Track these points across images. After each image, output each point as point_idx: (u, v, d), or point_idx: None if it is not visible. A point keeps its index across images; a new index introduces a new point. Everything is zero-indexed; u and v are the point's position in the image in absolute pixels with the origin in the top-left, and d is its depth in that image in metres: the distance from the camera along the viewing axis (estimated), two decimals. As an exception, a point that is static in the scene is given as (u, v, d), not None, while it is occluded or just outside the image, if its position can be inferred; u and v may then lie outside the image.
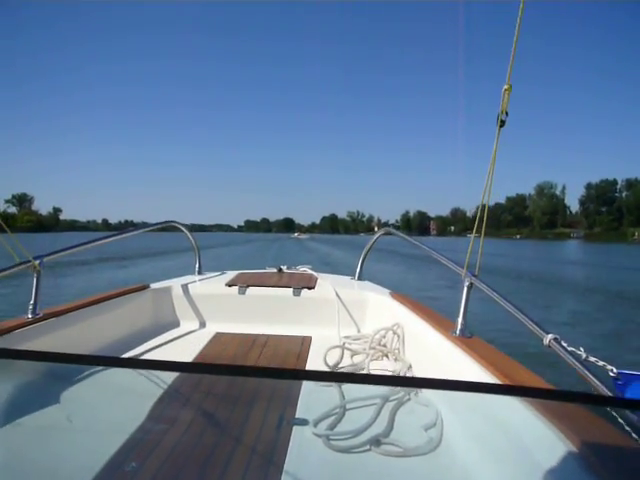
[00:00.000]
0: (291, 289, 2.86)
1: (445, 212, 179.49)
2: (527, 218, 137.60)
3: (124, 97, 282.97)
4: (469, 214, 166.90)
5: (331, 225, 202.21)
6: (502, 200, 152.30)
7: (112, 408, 1.41)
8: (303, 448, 1.25)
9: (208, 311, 2.86)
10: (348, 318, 2.72)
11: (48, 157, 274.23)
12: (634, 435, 0.78)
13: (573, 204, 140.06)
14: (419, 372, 1.96)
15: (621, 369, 1.05)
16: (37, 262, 1.88)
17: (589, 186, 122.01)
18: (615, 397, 0.96)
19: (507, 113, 1.47)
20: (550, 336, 1.24)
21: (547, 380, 1.22)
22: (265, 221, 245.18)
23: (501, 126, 1.48)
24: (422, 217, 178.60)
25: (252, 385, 1.64)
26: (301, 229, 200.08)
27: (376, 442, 1.27)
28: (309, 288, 2.86)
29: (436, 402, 1.53)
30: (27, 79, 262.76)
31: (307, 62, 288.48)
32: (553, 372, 1.72)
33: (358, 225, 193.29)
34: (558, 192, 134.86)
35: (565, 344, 1.21)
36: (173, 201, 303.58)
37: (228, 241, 61.06)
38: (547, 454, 0.88)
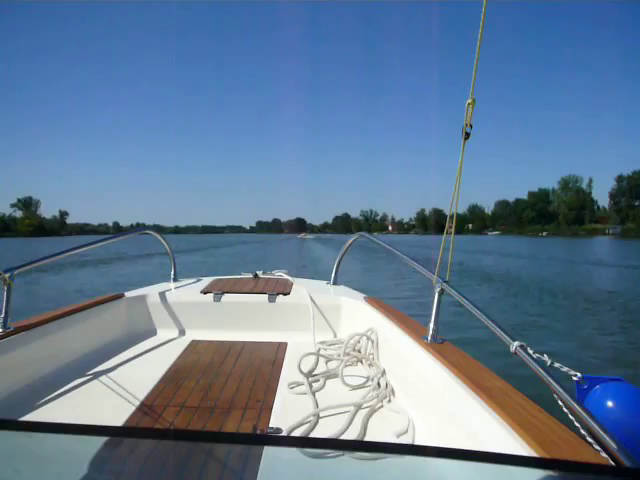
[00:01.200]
0: (266, 295, 2.85)
1: (462, 209, 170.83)
2: (551, 214, 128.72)
3: (135, 98, 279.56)
4: (487, 211, 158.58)
5: (343, 225, 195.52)
6: (524, 195, 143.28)
7: (86, 413, 1.51)
8: (277, 455, 1.13)
9: (184, 319, 2.83)
10: (323, 323, 2.72)
11: (59, 160, 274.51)
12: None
13: (600, 199, 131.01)
14: (393, 377, 1.95)
15: (585, 374, 1.10)
16: (7, 275, 1.87)
17: (620, 178, 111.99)
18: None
19: (472, 126, 1.51)
20: (516, 343, 1.26)
21: (514, 385, 1.26)
22: (277, 222, 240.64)
23: (466, 138, 1.52)
24: (438, 215, 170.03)
25: (228, 394, 1.81)
26: (313, 229, 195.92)
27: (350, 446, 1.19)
28: (284, 294, 2.87)
29: (408, 410, 1.60)
30: (28, 81, 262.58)
31: (324, 62, 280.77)
32: (520, 377, 1.62)
33: (371, 224, 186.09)
34: (584, 186, 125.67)
35: (531, 351, 1.23)
36: (185, 203, 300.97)
37: (230, 242, 61.11)
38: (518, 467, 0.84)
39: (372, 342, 2.26)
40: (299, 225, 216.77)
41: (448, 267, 1.74)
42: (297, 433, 1.40)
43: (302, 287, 2.94)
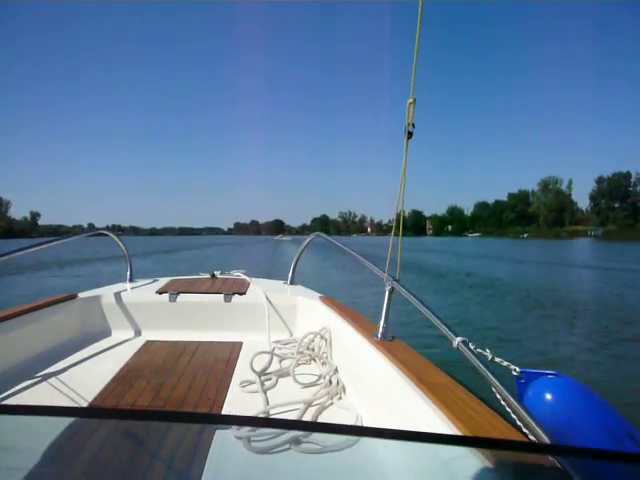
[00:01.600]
0: (222, 295, 2.85)
1: (442, 211, 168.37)
2: (531, 216, 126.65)
3: (110, 102, 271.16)
4: (467, 212, 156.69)
5: (322, 226, 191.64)
6: (504, 197, 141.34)
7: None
8: (224, 451, 1.22)
9: (139, 319, 2.82)
10: (279, 323, 2.74)
11: (37, 163, 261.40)
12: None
13: (580, 200, 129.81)
14: (344, 375, 1.99)
15: (524, 368, 1.14)
16: None
17: (601, 180, 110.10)
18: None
19: (414, 125, 1.55)
20: (459, 339, 1.30)
21: (457, 380, 1.30)
22: (255, 223, 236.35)
23: (409, 138, 1.56)
24: (418, 216, 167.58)
25: (179, 393, 1.81)
26: (291, 231, 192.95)
27: (296, 441, 1.30)
28: (240, 294, 2.88)
29: (357, 406, 1.65)
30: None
31: (294, 61, 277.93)
32: (464, 372, 1.66)
33: (350, 226, 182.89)
34: (564, 187, 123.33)
35: (472, 347, 1.27)
36: (163, 204, 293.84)
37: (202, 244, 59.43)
38: (462, 461, 0.93)
39: (325, 341, 2.28)
40: (277, 227, 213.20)
41: (398, 266, 1.80)
42: (245, 430, 1.36)
43: (258, 287, 2.95)
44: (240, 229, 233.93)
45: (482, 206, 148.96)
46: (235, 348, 2.51)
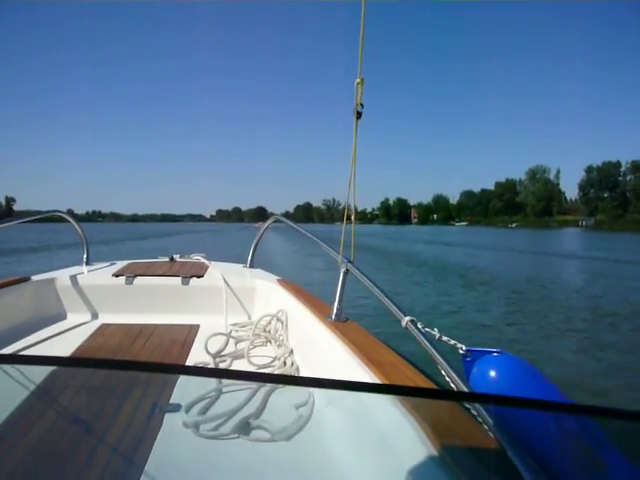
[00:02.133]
0: (180, 278, 2.81)
1: (427, 199, 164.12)
2: (519, 205, 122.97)
3: (100, 95, 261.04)
4: (453, 201, 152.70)
5: (305, 214, 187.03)
6: (490, 186, 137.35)
7: None
8: (172, 437, 1.28)
9: (94, 302, 2.77)
10: (236, 306, 2.73)
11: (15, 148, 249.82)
12: (484, 427, 0.87)
13: (568, 190, 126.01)
14: (299, 356, 2.00)
15: (470, 347, 1.16)
16: None
17: (590, 169, 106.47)
18: (460, 392, 1.03)
19: (362, 105, 1.57)
20: (407, 318, 1.33)
21: (406, 359, 1.37)
22: (237, 210, 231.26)
23: (358, 118, 1.58)
24: (403, 205, 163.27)
25: (130, 374, 1.66)
26: None
27: (245, 428, 1.31)
28: (198, 277, 2.84)
29: (310, 387, 1.64)
30: None
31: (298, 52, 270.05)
32: (413, 351, 1.69)
33: (334, 214, 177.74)
34: (552, 177, 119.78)
35: (420, 326, 1.30)
36: (145, 191, 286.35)
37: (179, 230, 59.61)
38: (406, 445, 0.97)
39: (282, 323, 2.30)
40: (260, 214, 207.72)
41: (352, 248, 1.84)
42: (197, 408, 1.39)
43: (217, 270, 2.91)
44: (222, 216, 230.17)
45: (468, 195, 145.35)
46: (192, 331, 2.47)
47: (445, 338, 1.24)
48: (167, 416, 1.34)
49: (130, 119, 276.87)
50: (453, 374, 1.00)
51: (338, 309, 1.81)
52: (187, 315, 2.67)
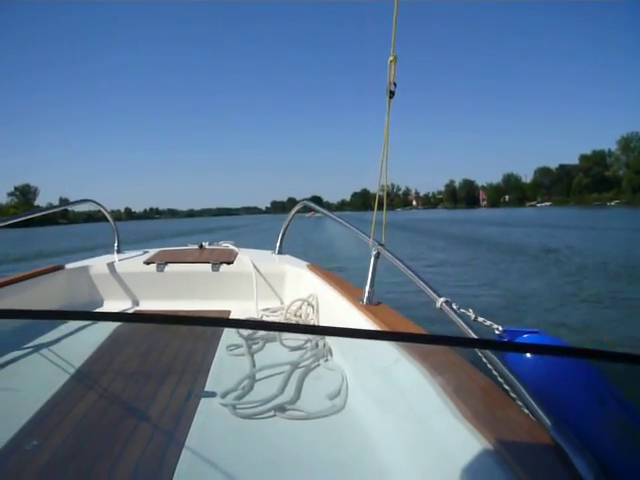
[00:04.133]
0: (210, 264, 2.81)
1: (497, 179, 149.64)
2: (610, 180, 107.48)
3: (135, 84, 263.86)
4: (525, 180, 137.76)
5: (362, 201, 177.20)
6: (574, 160, 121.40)
7: (16, 384, 1.53)
8: (208, 418, 1.30)
9: (126, 290, 2.80)
10: (266, 291, 2.72)
11: (66, 147, 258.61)
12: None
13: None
14: (331, 340, 1.96)
15: (506, 327, 1.14)
16: None
17: None
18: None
19: (395, 84, 1.53)
20: (442, 299, 1.31)
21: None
22: (292, 201, 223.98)
23: (391, 97, 1.54)
24: (470, 186, 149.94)
25: (165, 360, 1.85)
26: (330, 207, 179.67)
27: (281, 408, 1.34)
28: (228, 263, 2.84)
29: (344, 367, 1.63)
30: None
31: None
32: (448, 332, 1.39)
33: (394, 199, 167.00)
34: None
35: (455, 307, 1.27)
36: (198, 186, 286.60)
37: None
38: (436, 416, 0.98)
39: (312, 307, 2.31)
40: (315, 203, 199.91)
41: (383, 231, 1.82)
42: (232, 396, 1.42)
43: (246, 256, 2.89)
44: (277, 207, 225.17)
45: (544, 172, 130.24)
46: (223, 316, 2.47)
47: (481, 319, 1.23)
48: (203, 400, 1.40)
49: (176, 111, 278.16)
50: (490, 354, 0.97)
51: (370, 292, 1.79)
52: (218, 301, 2.67)
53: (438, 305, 1.31)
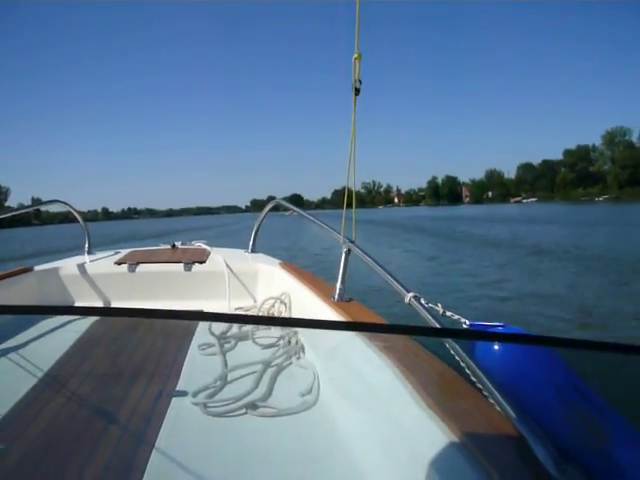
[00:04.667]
0: (182, 264, 2.81)
1: (479, 175, 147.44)
2: (594, 175, 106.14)
3: (117, 87, 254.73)
4: (508, 175, 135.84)
5: (343, 199, 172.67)
6: (558, 156, 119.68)
7: None
8: (179, 417, 1.31)
9: (97, 291, 2.80)
10: (239, 290, 2.74)
11: (45, 151, 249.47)
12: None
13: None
14: (304, 337, 2.01)
15: (473, 321, 1.17)
16: None
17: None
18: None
19: (361, 81, 1.54)
20: (410, 294, 1.34)
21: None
22: (272, 199, 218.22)
23: (356, 94, 1.55)
24: (452, 182, 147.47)
25: (136, 360, 1.82)
26: (310, 205, 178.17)
27: (253, 405, 1.34)
28: (200, 262, 2.85)
29: (316, 364, 1.64)
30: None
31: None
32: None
33: (375, 197, 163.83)
34: (635, 139, 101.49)
35: (424, 301, 1.30)
36: (176, 186, 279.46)
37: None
38: (406, 411, 1.00)
39: (285, 305, 2.32)
40: (295, 202, 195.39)
41: (353, 227, 1.83)
42: (203, 395, 1.40)
43: (219, 255, 2.89)
44: (257, 206, 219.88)
45: (526, 167, 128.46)
46: None
47: (449, 313, 1.25)
48: (174, 399, 1.38)
49: (153, 111, 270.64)
50: (458, 348, 0.99)
51: (341, 289, 1.81)
52: (190, 301, 2.64)
53: (407, 300, 1.34)
